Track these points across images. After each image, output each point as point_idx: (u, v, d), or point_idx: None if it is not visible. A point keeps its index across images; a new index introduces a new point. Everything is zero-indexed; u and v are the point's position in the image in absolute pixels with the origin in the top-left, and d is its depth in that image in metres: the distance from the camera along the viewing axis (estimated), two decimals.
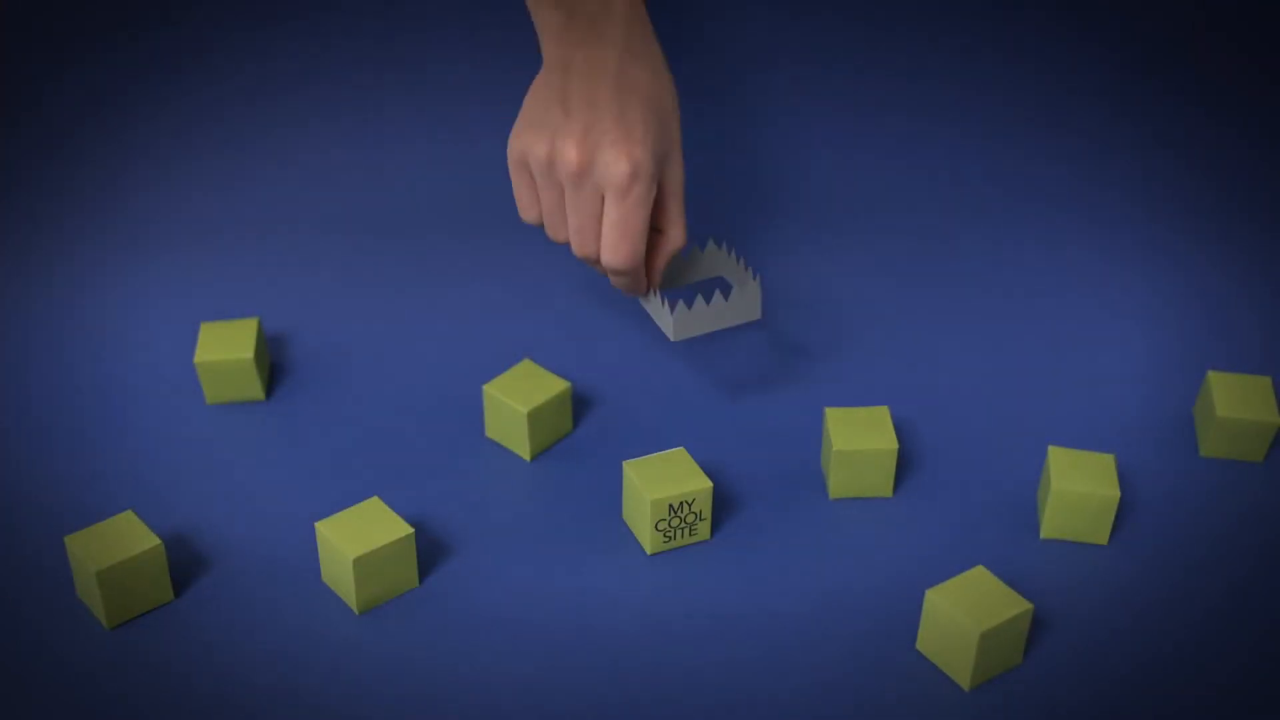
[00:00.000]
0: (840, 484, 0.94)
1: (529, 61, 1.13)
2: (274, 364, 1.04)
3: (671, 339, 0.87)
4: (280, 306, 1.08)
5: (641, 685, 0.83)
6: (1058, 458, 0.91)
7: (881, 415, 0.94)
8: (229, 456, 0.97)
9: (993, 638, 0.81)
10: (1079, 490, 0.89)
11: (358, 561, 0.84)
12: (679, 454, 0.90)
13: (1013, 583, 0.89)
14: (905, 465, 0.97)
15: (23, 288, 1.08)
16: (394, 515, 0.86)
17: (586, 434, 0.99)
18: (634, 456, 0.97)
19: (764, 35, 1.13)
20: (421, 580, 0.89)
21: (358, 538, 0.85)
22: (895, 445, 0.92)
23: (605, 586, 0.88)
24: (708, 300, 0.86)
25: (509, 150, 0.84)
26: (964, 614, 0.81)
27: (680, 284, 0.93)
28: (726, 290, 0.90)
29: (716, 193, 1.14)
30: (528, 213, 0.87)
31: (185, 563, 0.89)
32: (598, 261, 0.85)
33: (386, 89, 1.14)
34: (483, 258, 1.11)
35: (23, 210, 1.11)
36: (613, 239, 0.83)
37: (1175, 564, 0.90)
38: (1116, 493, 0.89)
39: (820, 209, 1.14)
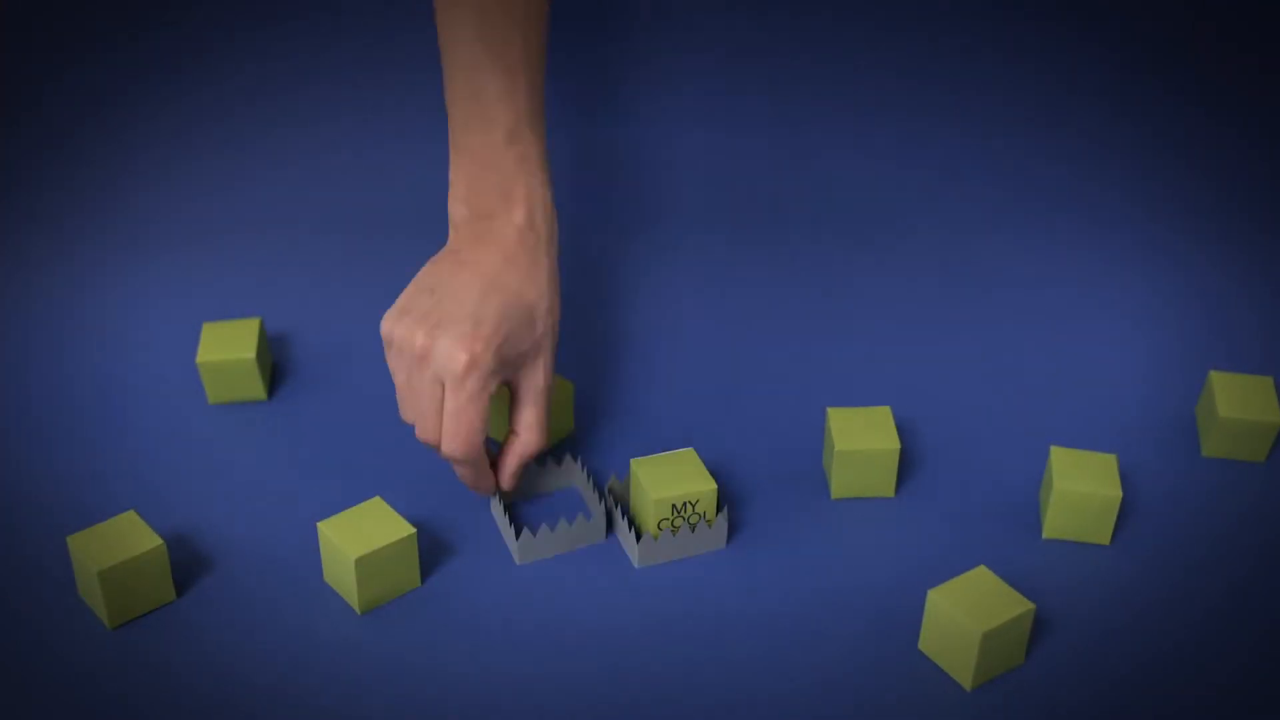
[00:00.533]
0: (842, 484, 0.94)
1: None
2: (276, 364, 1.04)
3: (517, 562, 0.89)
4: (282, 306, 1.08)
5: (642, 685, 0.83)
6: (1060, 458, 0.91)
7: (883, 415, 0.94)
8: (231, 456, 0.97)
9: (994, 638, 0.81)
10: (1081, 490, 0.89)
11: (360, 561, 0.84)
12: (688, 454, 0.90)
13: (1015, 583, 0.89)
14: (907, 465, 0.97)
15: (23, 288, 1.08)
16: (396, 515, 0.86)
17: (588, 434, 0.99)
18: (636, 456, 0.97)
19: (763, 36, 1.13)
20: (423, 580, 0.89)
21: (360, 538, 0.85)
22: (897, 445, 0.92)
23: (607, 586, 0.88)
24: (552, 526, 0.90)
25: (382, 325, 0.87)
26: (966, 614, 0.81)
27: (535, 494, 0.94)
28: (575, 508, 0.93)
29: (717, 193, 1.14)
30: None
31: (187, 563, 0.89)
32: (439, 449, 0.87)
33: (386, 89, 1.14)
34: None
35: (23, 210, 1.11)
36: (449, 428, 0.85)
37: (1177, 564, 0.90)
38: (1118, 493, 0.89)
39: (821, 209, 1.14)
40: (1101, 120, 1.12)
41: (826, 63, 1.13)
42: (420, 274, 0.88)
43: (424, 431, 0.86)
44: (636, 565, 0.89)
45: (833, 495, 0.94)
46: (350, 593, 0.86)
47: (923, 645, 0.84)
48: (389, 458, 0.97)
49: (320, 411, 1.00)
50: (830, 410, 0.94)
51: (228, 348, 0.99)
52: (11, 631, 0.85)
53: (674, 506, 0.88)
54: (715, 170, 1.15)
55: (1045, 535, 0.92)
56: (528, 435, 0.88)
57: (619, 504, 0.92)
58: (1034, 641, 0.85)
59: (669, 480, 0.89)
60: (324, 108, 1.14)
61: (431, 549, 0.90)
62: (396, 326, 0.86)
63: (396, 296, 1.08)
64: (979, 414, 1.01)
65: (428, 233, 1.12)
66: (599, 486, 0.94)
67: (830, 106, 1.14)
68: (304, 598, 0.87)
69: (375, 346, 1.05)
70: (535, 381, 0.87)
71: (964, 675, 0.82)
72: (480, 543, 0.91)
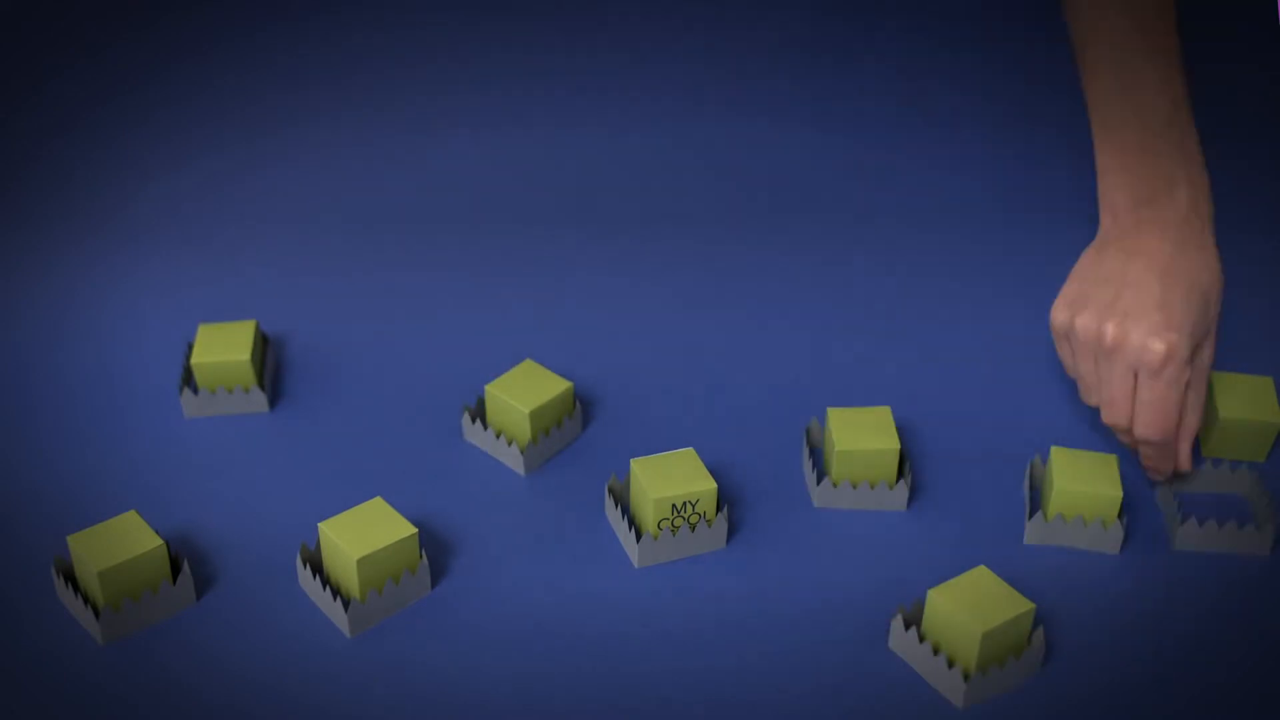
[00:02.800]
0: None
1: (528, 62, 1.13)
2: (275, 365, 1.04)
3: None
4: (281, 308, 1.08)
5: (642, 685, 0.83)
6: (1060, 458, 0.91)
7: (883, 415, 0.94)
8: (231, 457, 0.97)
9: (994, 638, 0.81)
10: (1081, 490, 0.89)
11: (361, 562, 0.84)
12: (688, 454, 0.90)
13: (1015, 583, 0.89)
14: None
15: (22, 288, 1.08)
16: (397, 515, 0.86)
17: (588, 433, 0.99)
18: (635, 455, 0.97)
19: (764, 36, 1.13)
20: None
21: (361, 538, 0.85)
22: (897, 445, 0.92)
23: (607, 587, 0.88)
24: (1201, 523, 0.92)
25: (1053, 316, 0.91)
26: (966, 613, 0.81)
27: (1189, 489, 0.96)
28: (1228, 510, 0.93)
29: (717, 193, 1.14)
30: (1070, 372, 0.93)
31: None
32: (1127, 431, 0.90)
33: (386, 89, 1.14)
34: (484, 257, 1.11)
35: (22, 211, 1.11)
36: (1146, 415, 0.88)
37: (1177, 564, 0.90)
38: (1119, 493, 0.89)
39: (821, 209, 1.14)
40: None
41: (826, 62, 1.13)
42: (1082, 264, 0.91)
43: (1114, 416, 0.89)
44: (636, 565, 0.89)
45: None
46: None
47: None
48: (388, 459, 0.97)
49: (318, 413, 1.00)
50: (830, 410, 0.94)
51: (223, 349, 0.98)
52: (10, 630, 0.85)
53: (674, 506, 0.88)
54: (714, 170, 1.15)
55: None
56: (1191, 417, 0.91)
57: (619, 504, 0.92)
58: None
59: (669, 480, 0.89)
60: (323, 108, 1.14)
61: (431, 550, 0.90)
62: (1077, 318, 0.89)
63: (395, 297, 1.08)
64: (979, 414, 1.01)
65: (429, 233, 1.12)
66: (1273, 501, 0.93)
67: (831, 107, 1.15)
68: (304, 599, 0.87)
69: (375, 347, 1.05)
70: (1202, 364, 0.90)
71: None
72: (480, 543, 0.91)
